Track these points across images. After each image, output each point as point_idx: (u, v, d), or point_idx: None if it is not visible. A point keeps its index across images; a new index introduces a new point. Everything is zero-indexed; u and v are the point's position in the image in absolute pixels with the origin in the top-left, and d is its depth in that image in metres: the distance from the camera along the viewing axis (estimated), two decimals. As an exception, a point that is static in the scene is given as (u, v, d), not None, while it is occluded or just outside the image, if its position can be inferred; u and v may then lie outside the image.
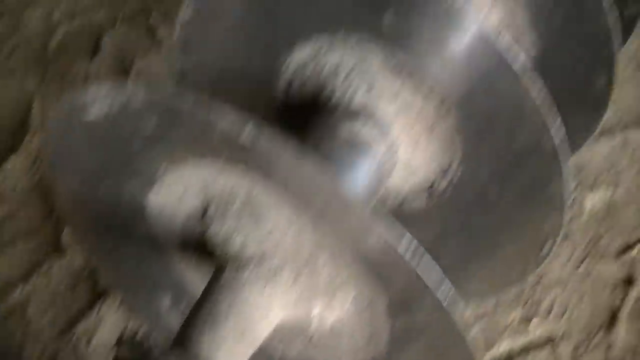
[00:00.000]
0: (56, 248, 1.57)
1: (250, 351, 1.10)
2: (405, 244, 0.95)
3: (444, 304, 0.97)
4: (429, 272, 0.96)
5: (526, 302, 1.49)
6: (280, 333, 1.22)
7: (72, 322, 1.46)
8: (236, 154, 1.01)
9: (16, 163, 1.68)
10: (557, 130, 1.18)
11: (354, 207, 0.99)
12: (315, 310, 1.13)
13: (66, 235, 1.55)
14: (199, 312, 1.08)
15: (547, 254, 1.31)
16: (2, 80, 1.81)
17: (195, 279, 1.21)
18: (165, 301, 1.29)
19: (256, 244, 1.09)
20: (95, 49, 1.83)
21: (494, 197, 1.30)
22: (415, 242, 0.97)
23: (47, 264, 1.54)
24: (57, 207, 1.52)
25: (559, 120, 1.18)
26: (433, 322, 1.02)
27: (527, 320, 1.47)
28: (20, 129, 1.73)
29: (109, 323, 1.32)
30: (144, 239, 1.22)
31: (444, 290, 0.96)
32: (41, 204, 1.61)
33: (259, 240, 1.08)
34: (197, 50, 1.31)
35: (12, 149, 1.72)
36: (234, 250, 1.10)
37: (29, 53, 1.86)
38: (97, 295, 1.48)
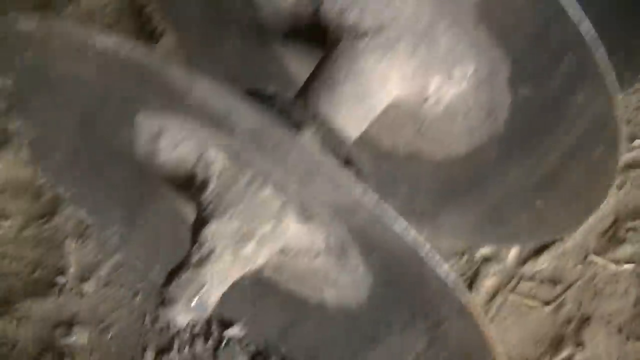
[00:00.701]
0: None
1: (369, 118, 1.07)
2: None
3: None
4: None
5: (629, 122, 1.45)
6: (389, 121, 1.20)
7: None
8: None
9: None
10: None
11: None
12: (433, 85, 1.09)
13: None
14: (317, 77, 1.05)
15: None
16: None
17: (303, 69, 1.17)
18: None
19: (374, 15, 1.05)
20: None
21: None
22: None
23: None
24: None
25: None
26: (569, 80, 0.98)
27: (630, 138, 1.43)
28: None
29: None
30: (251, 27, 1.18)
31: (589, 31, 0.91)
32: (134, 20, 1.59)
33: (376, 10, 1.04)
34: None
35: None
36: (349, 23, 1.06)
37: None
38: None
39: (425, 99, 1.12)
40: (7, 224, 1.44)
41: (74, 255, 1.40)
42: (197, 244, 0.96)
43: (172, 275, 0.95)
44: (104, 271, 1.38)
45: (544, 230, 1.21)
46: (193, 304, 0.94)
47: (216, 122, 0.89)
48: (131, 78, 0.90)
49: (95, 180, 1.18)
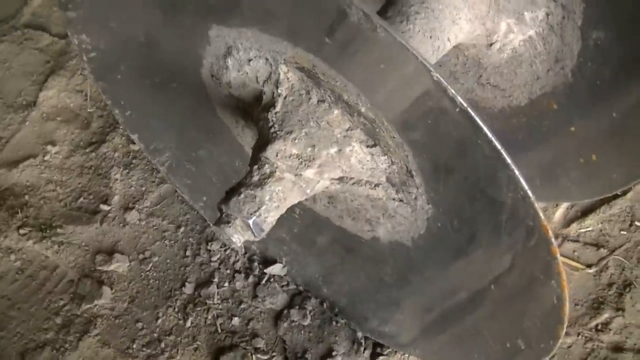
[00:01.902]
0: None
1: (437, 54, 1.02)
2: None
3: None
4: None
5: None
6: (453, 65, 1.15)
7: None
8: None
9: None
10: None
11: None
12: (503, 28, 1.04)
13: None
14: (390, 5, 1.00)
15: None
16: None
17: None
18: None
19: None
20: None
21: None
22: None
23: None
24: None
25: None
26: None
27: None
28: None
29: None
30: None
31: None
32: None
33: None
34: None
35: None
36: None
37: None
38: None
39: (492, 44, 1.07)
40: (54, 150, 1.40)
41: (119, 184, 1.36)
42: (259, 163, 0.91)
43: (231, 193, 0.91)
44: (148, 202, 1.34)
45: (594, 187, 1.15)
46: (250, 222, 0.89)
47: (297, 33, 0.85)
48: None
49: (154, 104, 1.13)
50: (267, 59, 0.92)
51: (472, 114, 0.73)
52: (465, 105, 0.73)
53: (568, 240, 1.26)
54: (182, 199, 1.31)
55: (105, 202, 1.34)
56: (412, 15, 1.00)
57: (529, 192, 0.76)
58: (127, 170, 1.36)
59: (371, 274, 1.09)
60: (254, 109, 0.96)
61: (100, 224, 1.32)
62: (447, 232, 0.90)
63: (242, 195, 0.90)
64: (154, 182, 1.35)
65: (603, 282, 1.23)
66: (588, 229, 1.27)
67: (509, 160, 0.75)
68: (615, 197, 1.28)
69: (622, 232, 1.26)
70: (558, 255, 0.77)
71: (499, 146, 0.74)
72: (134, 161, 1.37)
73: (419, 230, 0.94)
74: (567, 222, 1.28)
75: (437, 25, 1.02)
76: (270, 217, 0.90)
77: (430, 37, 1.01)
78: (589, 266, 1.24)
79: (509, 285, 0.87)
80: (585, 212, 1.28)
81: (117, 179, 1.36)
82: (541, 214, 0.75)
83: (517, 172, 0.75)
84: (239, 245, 0.92)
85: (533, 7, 1.02)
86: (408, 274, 1.02)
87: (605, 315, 1.20)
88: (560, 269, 0.78)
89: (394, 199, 0.94)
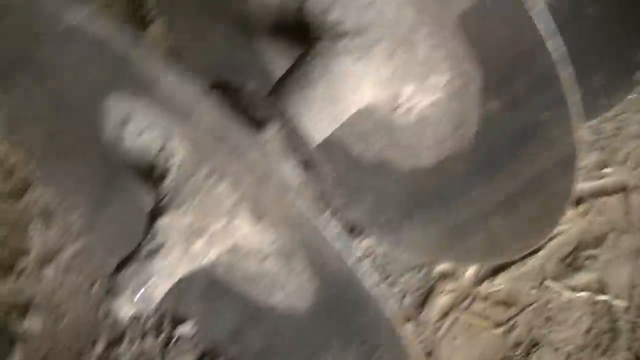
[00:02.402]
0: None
1: (337, 121, 1.02)
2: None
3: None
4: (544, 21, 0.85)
5: (603, 149, 1.40)
6: (361, 128, 1.15)
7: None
8: None
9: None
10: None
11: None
12: (406, 93, 1.05)
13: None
14: (292, 76, 1.01)
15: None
16: None
17: (283, 65, 1.12)
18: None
19: (355, 16, 1.00)
20: None
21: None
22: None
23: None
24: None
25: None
26: (534, 98, 0.94)
27: (601, 166, 1.38)
28: None
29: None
30: (237, 20, 1.14)
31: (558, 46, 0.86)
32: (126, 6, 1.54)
33: (358, 11, 1.00)
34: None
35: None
36: (330, 22, 1.02)
37: None
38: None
39: (397, 107, 1.08)
40: (-29, 202, 1.39)
41: (38, 238, 1.34)
42: (149, 236, 0.91)
43: (121, 265, 0.90)
44: (65, 257, 1.33)
45: (496, 252, 1.16)
46: (137, 296, 0.89)
47: (180, 114, 0.85)
48: (108, 61, 0.85)
49: (66, 162, 1.13)
50: (160, 131, 0.92)
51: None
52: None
53: (478, 299, 1.27)
54: (99, 253, 1.30)
55: (22, 256, 1.33)
56: (313, 81, 1.01)
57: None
58: (47, 224, 1.35)
59: (274, 339, 1.09)
60: (149, 179, 0.96)
61: (15, 279, 1.31)
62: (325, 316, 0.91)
63: (130, 269, 0.89)
64: (71, 237, 1.34)
65: (511, 342, 1.23)
66: (499, 288, 1.27)
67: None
68: (527, 255, 1.29)
69: (532, 291, 1.27)
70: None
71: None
72: (53, 215, 1.36)
73: (309, 301, 0.95)
74: (479, 280, 1.28)
75: (338, 92, 1.02)
76: (158, 290, 0.90)
77: (332, 103, 1.02)
78: (498, 325, 1.24)
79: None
80: (497, 271, 1.29)
81: (35, 233, 1.34)
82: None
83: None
84: (128, 317, 0.91)
85: (435, 73, 1.03)
86: (303, 340, 1.02)
87: (511, 377, 1.20)
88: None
89: (282, 271, 0.94)
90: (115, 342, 1.25)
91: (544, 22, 0.85)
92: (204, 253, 0.92)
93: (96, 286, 1.30)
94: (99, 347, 1.24)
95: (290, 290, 0.95)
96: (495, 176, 1.06)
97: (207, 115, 0.81)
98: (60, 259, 1.32)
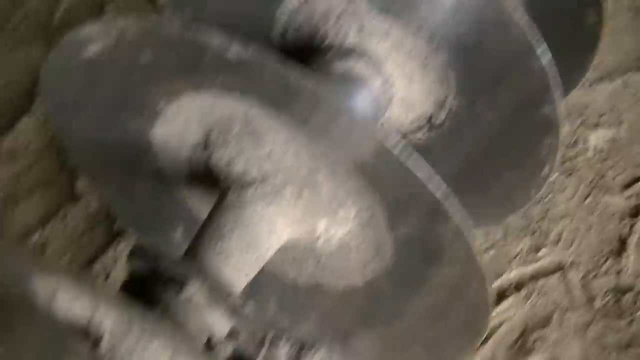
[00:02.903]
0: (71, 196, 1.57)
1: (258, 266, 1.07)
2: (398, 148, 0.92)
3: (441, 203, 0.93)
4: (421, 169, 0.92)
5: (534, 233, 1.45)
6: (290, 256, 1.20)
7: (89, 262, 1.44)
8: (229, 78, 0.98)
9: (28, 124, 1.68)
10: (543, 52, 1.14)
11: (348, 119, 0.96)
12: (321, 227, 1.10)
13: (81, 184, 1.54)
14: (206, 230, 1.06)
15: (547, 177, 1.27)
16: (11, 51, 1.81)
17: (204, 209, 1.18)
18: (178, 234, 1.26)
19: (257, 165, 1.07)
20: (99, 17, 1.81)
21: (490, 125, 1.26)
22: (408, 145, 0.93)
23: (63, 210, 1.54)
24: (69, 157, 1.50)
25: (544, 45, 1.14)
26: (430, 226, 0.99)
27: (536, 249, 1.44)
28: (29, 94, 1.72)
29: (124, 261, 1.29)
30: (153, 174, 1.20)
31: (439, 186, 0.92)
32: (54, 158, 1.60)
33: (260, 161, 1.06)
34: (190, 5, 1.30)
35: (24, 110, 1.70)
36: (237, 173, 1.08)
37: (34, 25, 1.86)
38: (112, 237, 1.47)
39: (317, 238, 1.13)
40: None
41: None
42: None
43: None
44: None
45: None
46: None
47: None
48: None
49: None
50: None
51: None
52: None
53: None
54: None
55: None
56: (227, 233, 1.06)
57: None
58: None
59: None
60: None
61: None
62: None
63: None
64: None
65: None
66: (451, 386, 1.30)
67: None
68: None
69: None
70: None
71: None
72: None
73: None
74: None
75: (253, 239, 1.07)
76: None
77: (248, 252, 1.07)
78: None
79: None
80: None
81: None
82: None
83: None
84: None
85: (342, 207, 1.09)
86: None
87: None
88: None
89: None
90: None
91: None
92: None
93: None
94: None
95: None
96: (416, 291, 1.10)
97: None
98: None
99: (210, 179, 1.13)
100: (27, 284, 0.98)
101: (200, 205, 1.22)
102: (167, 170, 1.19)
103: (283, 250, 1.19)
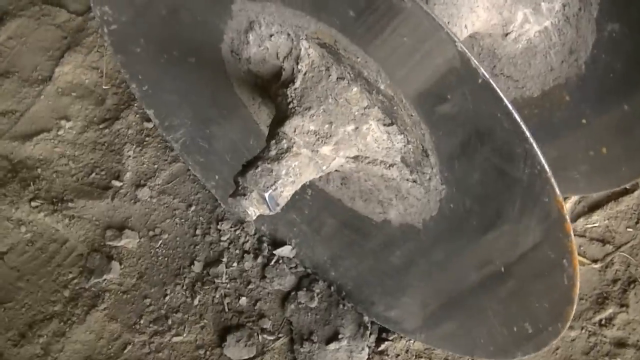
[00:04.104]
0: None
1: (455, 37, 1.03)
2: None
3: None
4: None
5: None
6: (471, 50, 1.15)
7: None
8: None
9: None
10: None
11: None
12: (519, 18, 1.05)
13: None
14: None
15: None
16: None
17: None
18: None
19: None
20: None
21: None
22: None
23: None
24: None
25: None
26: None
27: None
28: None
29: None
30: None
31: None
32: None
33: None
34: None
35: None
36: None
37: None
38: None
39: (507, 34, 1.08)
40: (68, 125, 1.41)
41: (132, 161, 1.36)
42: (276, 138, 0.92)
43: (249, 166, 0.91)
44: (160, 180, 1.35)
45: (603, 180, 1.16)
46: (267, 195, 0.90)
47: (322, 8, 0.85)
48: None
49: (171, 79, 1.14)
50: (288, 35, 0.92)
51: (494, 85, 0.74)
52: (487, 76, 0.74)
53: (575, 236, 1.27)
54: (194, 177, 1.32)
55: (117, 178, 1.35)
56: (430, 1, 1.01)
57: (546, 167, 0.76)
58: (140, 148, 1.37)
59: (380, 258, 1.10)
60: (272, 85, 0.97)
61: (111, 200, 1.33)
62: (459, 213, 0.91)
63: (259, 169, 0.91)
64: (166, 160, 1.36)
65: (608, 278, 1.23)
66: (594, 225, 1.28)
67: (527, 134, 0.76)
68: (623, 193, 1.29)
69: (628, 229, 1.27)
70: (572, 233, 0.78)
71: (518, 118, 0.75)
72: (147, 139, 1.38)
73: (431, 212, 0.95)
74: (575, 217, 1.29)
75: (454, 12, 1.02)
76: (286, 191, 0.91)
77: (448, 22, 1.02)
78: (595, 261, 1.25)
79: (520, 267, 0.88)
80: (592, 208, 1.29)
81: (129, 156, 1.36)
82: (557, 190, 0.76)
83: (535, 146, 0.76)
84: (254, 218, 0.93)
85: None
86: (417, 257, 1.03)
87: (609, 311, 1.21)
88: (573, 247, 0.78)
89: (407, 180, 0.95)
90: (213, 262, 1.27)
91: None
92: (330, 158, 0.93)
93: (192, 208, 1.32)
94: (197, 267, 1.26)
95: (413, 198, 0.96)
96: (608, 99, 1.06)
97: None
98: (155, 182, 1.34)
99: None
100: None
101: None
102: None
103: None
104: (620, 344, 1.18)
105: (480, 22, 1.06)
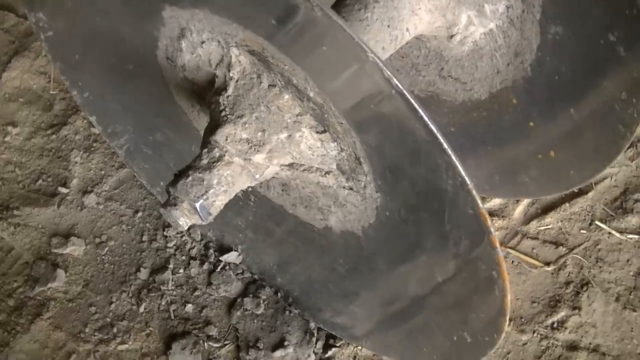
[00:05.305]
0: None
1: (398, 42, 1.01)
2: None
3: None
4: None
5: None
6: (414, 57, 1.14)
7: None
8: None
9: None
10: None
11: None
12: (462, 21, 1.03)
13: None
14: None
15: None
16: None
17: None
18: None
19: None
20: None
21: None
22: None
23: None
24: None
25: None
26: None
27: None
28: None
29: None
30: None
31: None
32: None
33: None
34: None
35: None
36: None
37: None
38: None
39: (452, 36, 1.07)
40: (14, 131, 1.39)
41: (79, 167, 1.34)
42: (208, 147, 0.90)
43: (180, 175, 0.90)
44: (107, 186, 1.33)
45: (552, 183, 1.15)
46: (197, 205, 0.88)
47: (247, 16, 0.84)
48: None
49: (111, 86, 1.12)
50: (219, 42, 0.91)
51: (407, 95, 0.72)
52: (400, 87, 0.73)
53: (527, 238, 1.26)
54: (140, 183, 1.30)
55: (64, 184, 1.33)
56: (370, 4, 1.00)
57: (467, 179, 0.75)
58: (87, 154, 1.35)
59: (324, 265, 1.09)
60: (207, 93, 0.95)
61: (57, 207, 1.31)
62: (395, 222, 0.89)
63: (189, 178, 0.89)
64: (113, 166, 1.34)
65: (561, 281, 1.23)
66: (548, 227, 1.27)
67: (445, 146, 0.74)
68: (576, 195, 1.28)
69: (581, 231, 1.26)
70: (498, 245, 0.76)
71: (435, 130, 0.73)
72: (94, 144, 1.36)
73: (369, 220, 0.94)
74: (527, 219, 1.28)
75: (395, 15, 1.01)
76: (218, 201, 0.90)
77: (389, 26, 1.01)
78: (547, 264, 1.24)
79: (456, 279, 0.87)
80: (546, 210, 1.28)
81: (76, 162, 1.34)
82: (479, 202, 0.75)
83: (453, 158, 0.74)
84: (185, 228, 0.91)
85: (491, 1, 1.02)
86: (360, 265, 1.02)
87: (561, 314, 1.20)
88: (500, 259, 0.77)
89: (344, 187, 0.93)
90: (159, 268, 1.25)
91: None
92: (264, 167, 0.91)
93: (139, 214, 1.30)
94: (144, 274, 1.25)
95: (351, 206, 0.94)
96: (554, 102, 1.05)
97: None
98: (101, 188, 1.32)
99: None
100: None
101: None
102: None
103: (407, 51, 1.14)
104: (573, 347, 1.17)
105: (424, 24, 1.04)
